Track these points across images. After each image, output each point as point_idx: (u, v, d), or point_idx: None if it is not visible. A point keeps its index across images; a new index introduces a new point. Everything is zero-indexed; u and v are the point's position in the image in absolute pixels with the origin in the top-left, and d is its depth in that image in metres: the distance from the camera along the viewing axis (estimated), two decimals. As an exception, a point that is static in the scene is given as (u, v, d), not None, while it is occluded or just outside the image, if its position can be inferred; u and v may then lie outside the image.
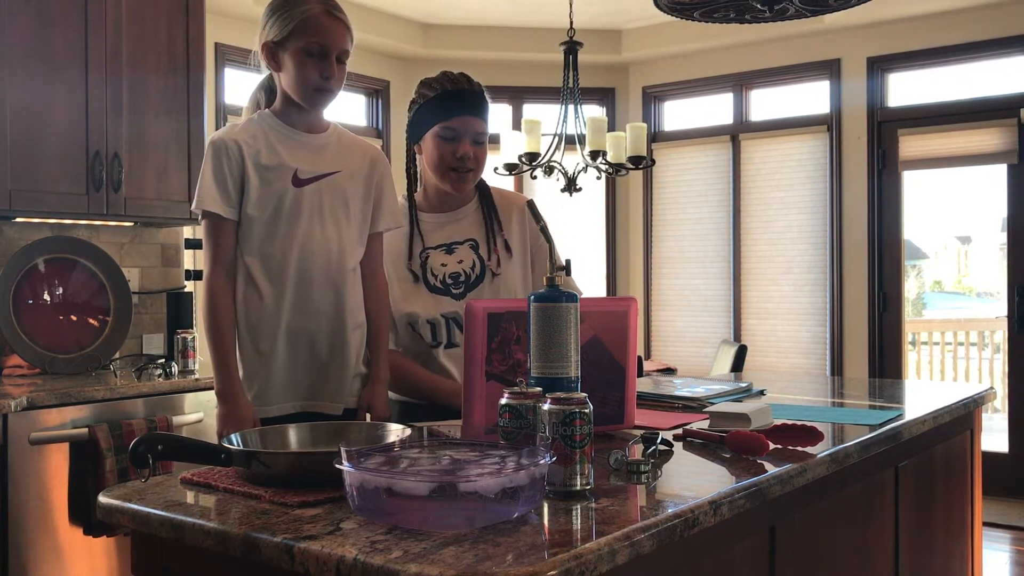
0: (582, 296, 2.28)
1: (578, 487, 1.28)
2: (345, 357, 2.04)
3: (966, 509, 2.54)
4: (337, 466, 1.17)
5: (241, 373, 2.00)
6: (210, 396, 3.11)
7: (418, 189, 2.25)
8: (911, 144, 5.51)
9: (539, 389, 1.39)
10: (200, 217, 1.99)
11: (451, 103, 2.12)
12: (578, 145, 4.62)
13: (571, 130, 4.69)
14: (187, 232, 3.86)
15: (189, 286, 3.83)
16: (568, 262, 2.23)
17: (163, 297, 3.68)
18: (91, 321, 3.36)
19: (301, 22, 1.94)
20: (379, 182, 2.11)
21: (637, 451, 1.54)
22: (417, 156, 2.23)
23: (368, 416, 2.05)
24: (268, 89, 2.11)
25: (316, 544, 1.08)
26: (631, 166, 4.54)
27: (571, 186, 4.74)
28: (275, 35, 1.96)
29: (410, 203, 2.23)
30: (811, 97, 5.93)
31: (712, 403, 2.08)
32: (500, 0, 5.54)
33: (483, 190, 2.28)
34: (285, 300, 1.98)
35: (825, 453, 1.60)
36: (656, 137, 6.42)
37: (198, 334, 3.50)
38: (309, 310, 2.00)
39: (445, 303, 2.15)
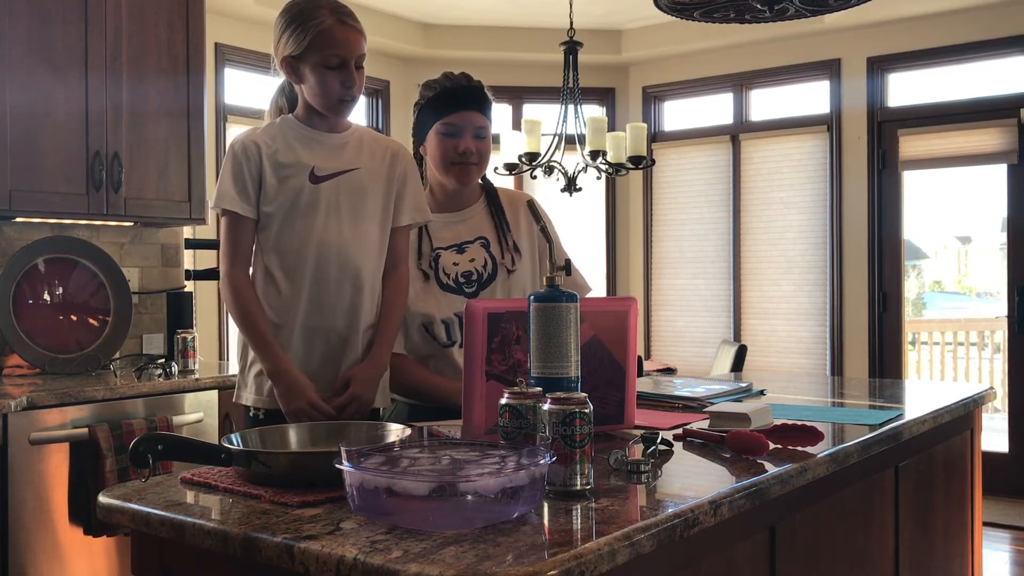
0: (590, 290, 2.30)
1: (578, 487, 1.28)
2: (360, 356, 2.05)
3: (966, 509, 2.54)
4: (337, 466, 1.17)
5: (259, 368, 2.01)
6: (210, 396, 3.12)
7: (425, 190, 2.26)
8: (911, 144, 5.51)
9: (539, 389, 1.39)
10: (219, 215, 2.02)
11: (450, 99, 2.14)
12: (578, 145, 4.62)
13: (571, 130, 4.69)
14: (187, 232, 3.86)
15: (189, 286, 3.83)
16: (568, 261, 2.24)
17: (163, 297, 3.68)
18: (91, 321, 3.36)
19: (317, 35, 1.95)
20: (401, 176, 2.11)
21: (637, 451, 1.54)
22: (424, 158, 2.23)
23: (347, 389, 1.98)
24: (289, 96, 2.13)
25: (316, 544, 1.08)
26: (631, 166, 4.54)
27: (571, 186, 4.74)
28: (293, 49, 1.98)
29: None
30: (811, 97, 5.93)
31: (712, 403, 2.08)
32: (500, 0, 5.54)
33: (489, 189, 2.28)
34: (301, 296, 2.00)
35: (825, 453, 1.60)
36: (656, 137, 6.42)
37: (198, 334, 3.50)
38: (325, 307, 2.01)
39: (457, 302, 2.14)
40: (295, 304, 2.00)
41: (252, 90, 5.28)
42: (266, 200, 2.00)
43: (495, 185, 2.30)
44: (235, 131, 5.04)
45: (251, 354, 2.05)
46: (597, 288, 6.38)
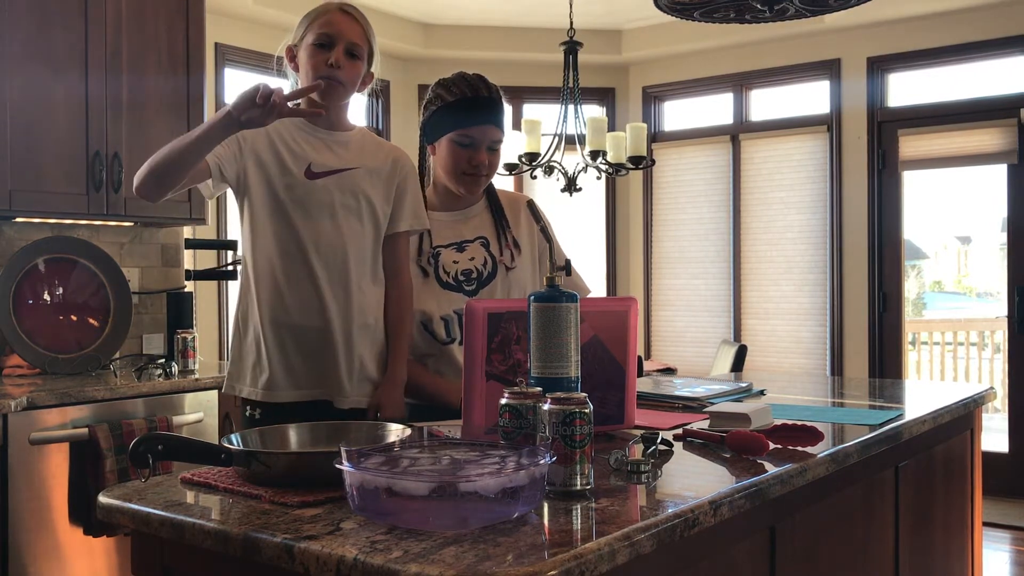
0: (589, 292, 2.30)
1: (578, 487, 1.28)
2: (350, 355, 2.04)
3: (966, 509, 2.54)
4: (337, 466, 1.17)
5: (250, 362, 2.03)
6: (210, 396, 3.12)
7: (428, 186, 2.26)
8: (911, 144, 5.51)
9: (539, 389, 1.38)
10: None
11: (470, 111, 2.11)
12: (578, 145, 4.62)
13: (571, 130, 4.69)
14: (187, 232, 3.86)
15: (189, 286, 3.83)
16: (568, 262, 2.24)
17: (163, 297, 3.67)
18: (91, 321, 3.36)
19: (314, 20, 2.03)
20: (401, 182, 2.11)
21: (637, 451, 1.54)
22: (429, 155, 2.23)
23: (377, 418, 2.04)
24: None
25: (316, 544, 1.08)
26: (631, 166, 4.54)
27: (571, 186, 4.74)
28: (295, 39, 2.06)
29: None
30: (811, 97, 5.93)
31: (712, 403, 2.08)
32: (500, 0, 5.53)
33: (489, 190, 2.28)
34: (290, 293, 2.00)
35: (825, 453, 1.60)
36: (656, 137, 6.42)
37: (198, 334, 3.49)
38: (313, 304, 2.01)
39: (457, 300, 2.15)
40: (283, 301, 2.01)
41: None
42: (257, 194, 2.00)
43: (494, 186, 2.31)
44: (235, 131, 5.03)
45: (244, 345, 2.06)
46: (597, 288, 6.38)
